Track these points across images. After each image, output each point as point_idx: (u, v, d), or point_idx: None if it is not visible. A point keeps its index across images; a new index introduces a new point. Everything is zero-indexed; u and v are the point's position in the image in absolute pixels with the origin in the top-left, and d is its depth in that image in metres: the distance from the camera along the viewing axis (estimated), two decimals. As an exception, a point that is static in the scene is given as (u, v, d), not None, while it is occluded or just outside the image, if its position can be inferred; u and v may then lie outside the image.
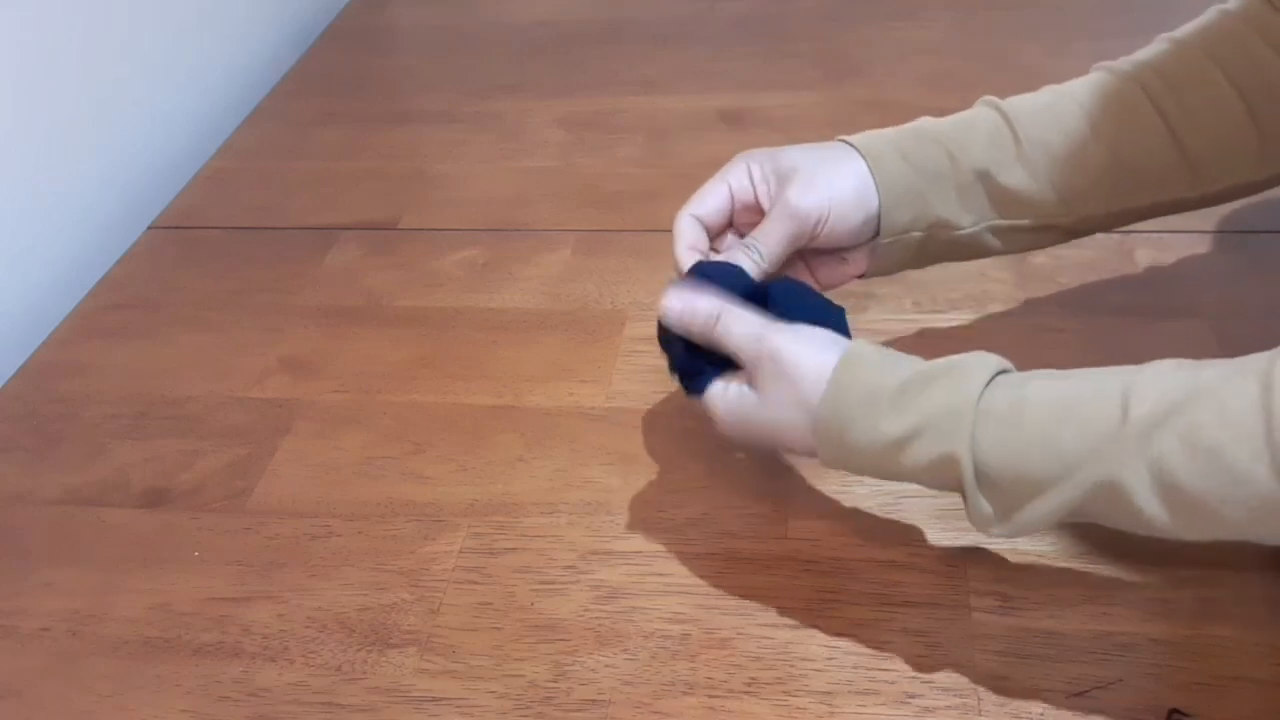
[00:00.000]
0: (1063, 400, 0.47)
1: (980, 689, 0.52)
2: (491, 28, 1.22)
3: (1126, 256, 0.77)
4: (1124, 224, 0.62)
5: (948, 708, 0.52)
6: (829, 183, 0.57)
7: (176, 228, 0.93)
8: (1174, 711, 0.50)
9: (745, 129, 0.97)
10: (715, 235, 0.60)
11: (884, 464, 0.50)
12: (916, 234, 0.59)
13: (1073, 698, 0.51)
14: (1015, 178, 0.59)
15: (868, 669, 0.54)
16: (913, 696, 0.52)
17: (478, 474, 0.67)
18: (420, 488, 0.66)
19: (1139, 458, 0.44)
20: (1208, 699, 0.51)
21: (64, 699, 0.57)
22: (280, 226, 0.92)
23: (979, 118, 0.60)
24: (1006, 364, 0.50)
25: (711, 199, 0.59)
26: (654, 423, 0.68)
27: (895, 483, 0.63)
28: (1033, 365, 0.50)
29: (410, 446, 0.69)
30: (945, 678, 0.53)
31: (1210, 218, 0.79)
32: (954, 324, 0.73)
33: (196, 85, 1.09)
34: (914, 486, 0.62)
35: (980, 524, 0.50)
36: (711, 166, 0.60)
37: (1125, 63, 0.61)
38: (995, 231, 0.60)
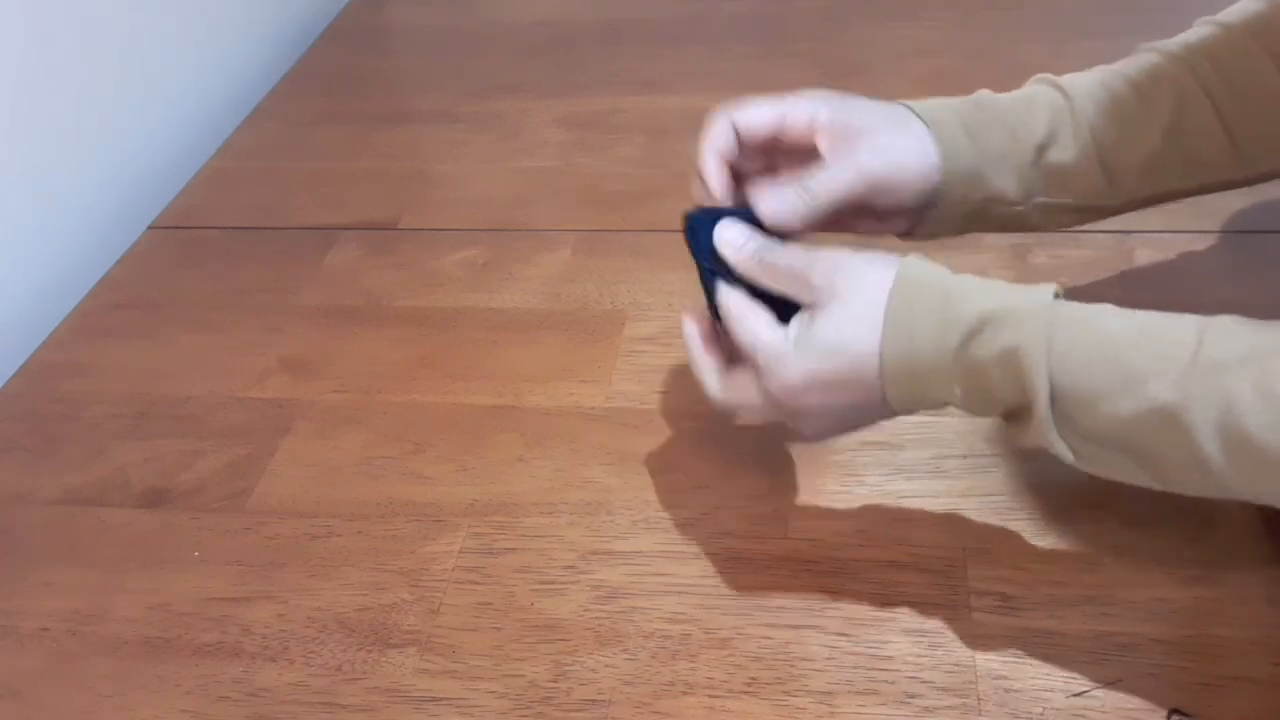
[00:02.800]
0: (1136, 322, 0.48)
1: (980, 689, 0.52)
2: (491, 28, 1.22)
3: (1126, 256, 0.77)
4: (1167, 202, 0.62)
5: (948, 708, 0.52)
6: (900, 152, 0.56)
7: (176, 228, 0.93)
8: (1174, 711, 0.50)
9: (745, 129, 0.97)
10: (742, 154, 0.58)
11: (946, 360, 0.49)
12: (967, 207, 0.59)
13: (1073, 698, 0.51)
14: (1069, 156, 0.58)
15: (868, 669, 0.54)
16: (913, 696, 0.52)
17: (478, 474, 0.67)
18: (420, 488, 0.66)
19: (1207, 395, 0.44)
20: (1208, 699, 0.51)
21: (64, 699, 0.57)
22: (280, 226, 0.92)
23: (1039, 95, 0.60)
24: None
25: (758, 112, 0.56)
26: (654, 423, 0.68)
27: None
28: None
29: (410, 446, 0.69)
30: (945, 678, 0.53)
31: (1210, 218, 0.79)
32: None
33: (196, 85, 1.09)
34: (913, 486, 0.62)
35: (1036, 431, 0.48)
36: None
37: (1173, 44, 0.61)
38: (1041, 209, 0.60)
